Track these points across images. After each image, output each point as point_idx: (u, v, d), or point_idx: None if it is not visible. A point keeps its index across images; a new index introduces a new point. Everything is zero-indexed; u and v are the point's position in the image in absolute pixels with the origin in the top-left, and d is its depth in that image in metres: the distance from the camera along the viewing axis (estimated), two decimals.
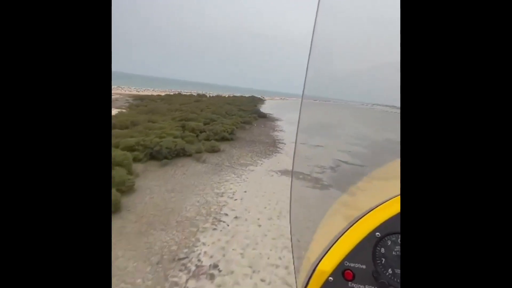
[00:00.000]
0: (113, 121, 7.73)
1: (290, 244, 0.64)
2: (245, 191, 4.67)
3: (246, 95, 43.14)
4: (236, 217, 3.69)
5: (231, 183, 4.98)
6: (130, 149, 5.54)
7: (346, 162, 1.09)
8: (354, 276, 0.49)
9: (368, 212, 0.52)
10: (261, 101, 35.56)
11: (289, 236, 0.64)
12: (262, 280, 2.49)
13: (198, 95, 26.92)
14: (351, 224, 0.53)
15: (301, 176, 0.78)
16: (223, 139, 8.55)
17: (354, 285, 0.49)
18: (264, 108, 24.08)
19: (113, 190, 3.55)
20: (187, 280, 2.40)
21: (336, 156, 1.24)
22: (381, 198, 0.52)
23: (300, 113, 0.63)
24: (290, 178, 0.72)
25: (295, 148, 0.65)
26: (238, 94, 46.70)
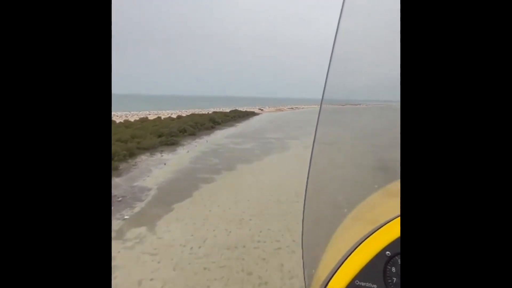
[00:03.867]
0: None
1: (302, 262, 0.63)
2: None
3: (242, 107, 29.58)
4: None
5: None
6: None
7: (358, 176, 0.97)
8: None
9: (378, 229, 0.51)
10: (240, 117, 21.04)
11: None
12: None
13: None
14: (361, 242, 0.52)
15: (314, 191, 0.69)
16: None
17: None
18: (186, 151, 9.42)
19: None
20: None
21: (349, 170, 1.00)
22: (390, 215, 0.51)
23: (318, 120, 0.60)
24: (304, 193, 0.66)
25: (310, 159, 0.63)
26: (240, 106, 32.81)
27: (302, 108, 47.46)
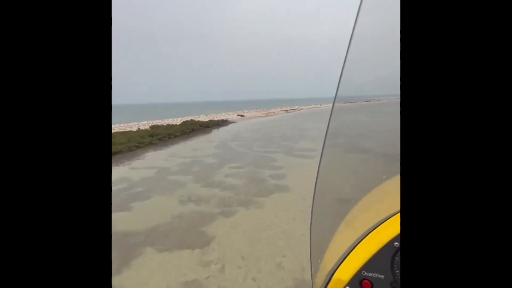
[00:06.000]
0: None
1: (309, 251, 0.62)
2: None
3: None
4: None
5: None
6: None
7: (366, 166, 0.98)
8: (372, 286, 0.48)
9: (386, 220, 0.50)
10: (187, 133, 12.13)
11: None
12: None
13: None
14: (368, 232, 0.51)
15: (324, 182, 0.68)
16: None
17: None
18: None
19: None
20: None
21: (356, 162, 1.07)
22: (399, 206, 0.51)
23: (330, 118, 0.60)
24: (314, 186, 0.65)
25: (322, 153, 0.63)
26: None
27: (301, 109, 38.65)
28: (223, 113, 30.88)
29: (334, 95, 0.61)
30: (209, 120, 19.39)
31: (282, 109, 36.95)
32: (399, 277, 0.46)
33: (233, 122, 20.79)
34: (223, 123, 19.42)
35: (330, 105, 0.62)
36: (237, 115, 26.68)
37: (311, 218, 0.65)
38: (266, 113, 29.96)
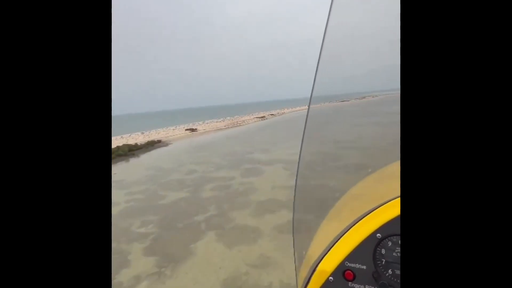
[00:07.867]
0: None
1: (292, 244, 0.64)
2: None
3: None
4: None
5: None
6: None
7: (348, 162, 0.98)
8: (354, 276, 0.50)
9: (369, 213, 0.52)
10: None
11: None
12: None
13: None
14: (352, 225, 0.53)
15: (306, 173, 0.70)
16: None
17: (355, 285, 0.50)
18: None
19: None
20: None
21: (339, 156, 1.08)
22: (382, 199, 0.52)
23: (307, 116, 0.62)
24: (295, 178, 0.66)
25: (301, 148, 0.64)
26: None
27: (283, 113, 31.72)
28: (171, 128, 23.87)
29: (324, 94, 0.61)
30: (121, 145, 12.47)
31: (258, 116, 29.87)
32: (381, 268, 0.47)
33: (164, 145, 13.85)
34: (138, 151, 12.46)
35: (317, 106, 0.61)
36: (186, 129, 19.63)
37: (294, 210, 0.65)
38: (230, 123, 23.00)
